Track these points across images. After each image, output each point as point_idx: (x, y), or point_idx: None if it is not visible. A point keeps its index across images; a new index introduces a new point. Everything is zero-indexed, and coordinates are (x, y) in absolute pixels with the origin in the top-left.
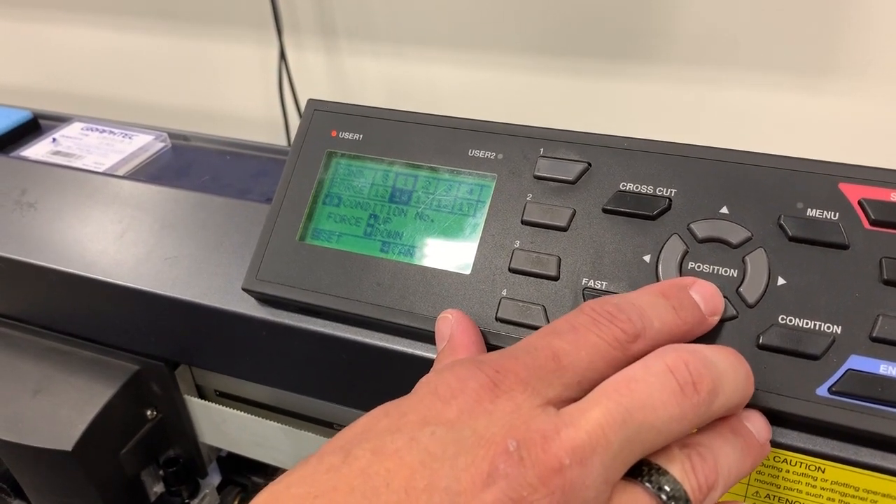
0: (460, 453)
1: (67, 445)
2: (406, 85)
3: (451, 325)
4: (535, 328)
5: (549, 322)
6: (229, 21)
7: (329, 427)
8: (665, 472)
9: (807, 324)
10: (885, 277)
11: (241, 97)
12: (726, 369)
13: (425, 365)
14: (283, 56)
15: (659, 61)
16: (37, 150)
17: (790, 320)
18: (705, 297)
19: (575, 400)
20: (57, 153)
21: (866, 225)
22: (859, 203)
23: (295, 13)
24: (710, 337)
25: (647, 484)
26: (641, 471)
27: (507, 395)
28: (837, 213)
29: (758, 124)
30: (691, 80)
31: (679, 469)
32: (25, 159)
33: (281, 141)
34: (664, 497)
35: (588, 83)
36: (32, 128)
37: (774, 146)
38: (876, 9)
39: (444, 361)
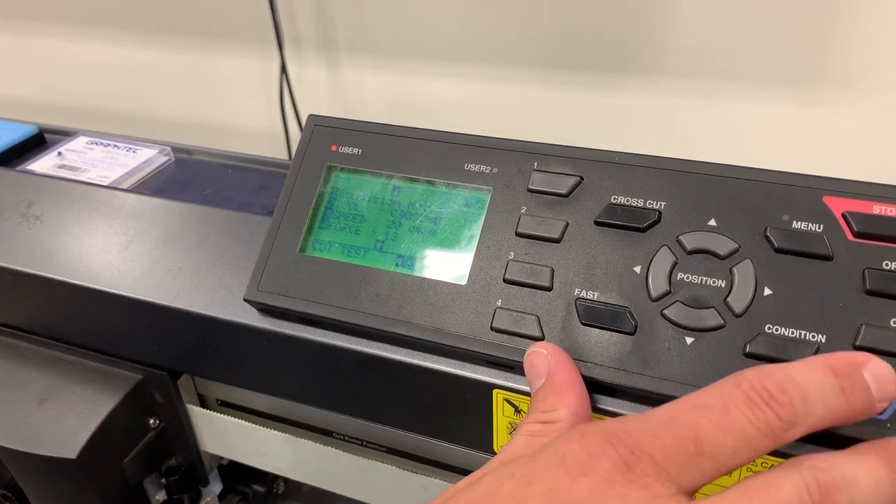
0: None
1: (72, 453)
2: (406, 98)
3: (549, 362)
4: (530, 337)
5: (542, 332)
6: (231, 36)
7: (328, 435)
8: None
9: (792, 333)
10: (868, 288)
11: (243, 111)
12: (866, 488)
13: (422, 373)
14: (284, 70)
15: (656, 75)
16: (43, 163)
17: (776, 329)
18: (878, 379)
19: (705, 483)
20: (62, 167)
21: (850, 237)
22: (843, 215)
23: (296, 28)
24: (697, 353)
25: None
26: None
27: (641, 480)
28: (822, 226)
29: (753, 137)
30: (688, 94)
31: None
32: (32, 173)
33: (282, 154)
34: None
35: (586, 96)
36: (38, 142)
37: (769, 158)
38: (869, 22)
39: (548, 401)
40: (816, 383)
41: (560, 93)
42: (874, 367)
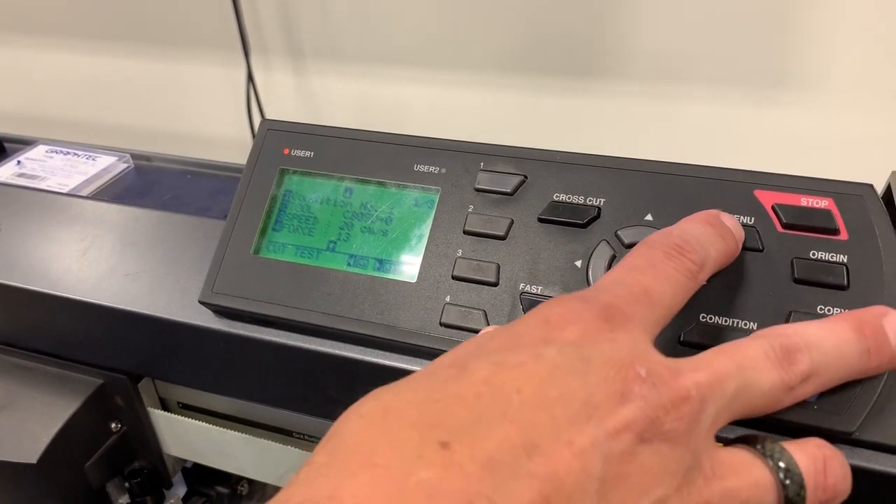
0: (590, 371)
1: (32, 458)
2: (373, 104)
3: None
4: (477, 331)
5: (488, 324)
6: (197, 43)
7: (289, 435)
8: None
9: (725, 321)
10: (796, 276)
11: (211, 118)
12: (829, 349)
13: (377, 370)
14: (250, 77)
15: (618, 78)
16: (2, 172)
17: (710, 318)
18: (733, 225)
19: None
20: (22, 175)
21: (779, 228)
22: (773, 208)
23: (262, 35)
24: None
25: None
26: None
27: (622, 328)
28: (753, 218)
29: (714, 137)
30: (649, 96)
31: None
32: None
33: None
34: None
35: (552, 100)
36: None
37: (730, 157)
38: (825, 24)
39: None
40: (703, 233)
41: (524, 96)
42: (727, 217)
